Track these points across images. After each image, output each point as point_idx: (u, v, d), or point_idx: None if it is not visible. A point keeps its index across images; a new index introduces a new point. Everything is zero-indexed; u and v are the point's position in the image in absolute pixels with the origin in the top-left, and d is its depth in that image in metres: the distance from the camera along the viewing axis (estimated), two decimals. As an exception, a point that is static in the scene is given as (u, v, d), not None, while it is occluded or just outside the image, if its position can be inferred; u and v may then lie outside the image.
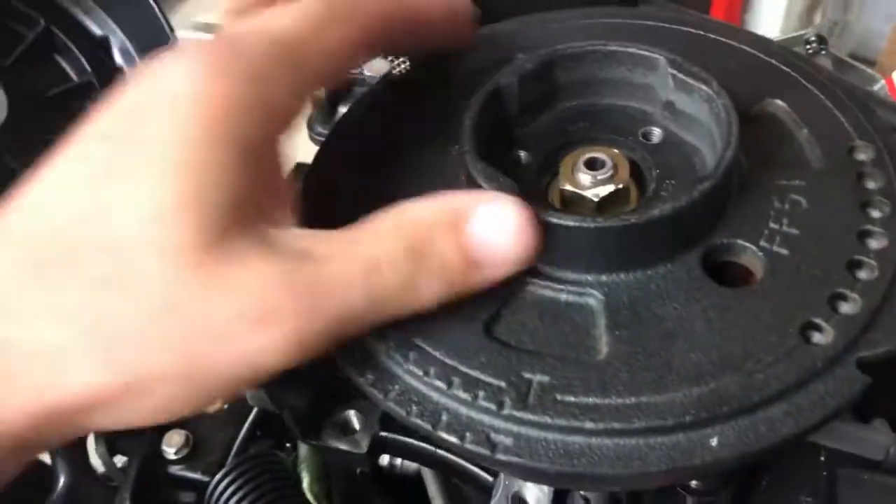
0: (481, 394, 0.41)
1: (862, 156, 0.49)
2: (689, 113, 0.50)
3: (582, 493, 0.51)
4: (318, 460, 0.70)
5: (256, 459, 0.68)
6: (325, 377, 0.56)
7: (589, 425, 0.40)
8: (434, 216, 0.41)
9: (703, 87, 0.48)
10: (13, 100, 0.82)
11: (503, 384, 0.41)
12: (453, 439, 0.41)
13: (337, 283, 0.38)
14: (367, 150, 0.53)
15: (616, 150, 0.49)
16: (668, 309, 0.43)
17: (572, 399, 0.40)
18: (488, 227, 0.41)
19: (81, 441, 0.74)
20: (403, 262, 0.39)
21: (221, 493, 0.67)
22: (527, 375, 0.41)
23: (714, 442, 0.39)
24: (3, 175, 0.79)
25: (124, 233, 0.36)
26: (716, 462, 0.39)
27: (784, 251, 0.45)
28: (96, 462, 0.74)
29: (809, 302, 0.43)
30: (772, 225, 0.46)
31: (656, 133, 0.52)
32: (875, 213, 0.46)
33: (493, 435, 0.40)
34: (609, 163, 0.48)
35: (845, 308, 0.43)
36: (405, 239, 0.40)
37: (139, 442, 0.72)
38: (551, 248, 0.44)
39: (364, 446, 0.55)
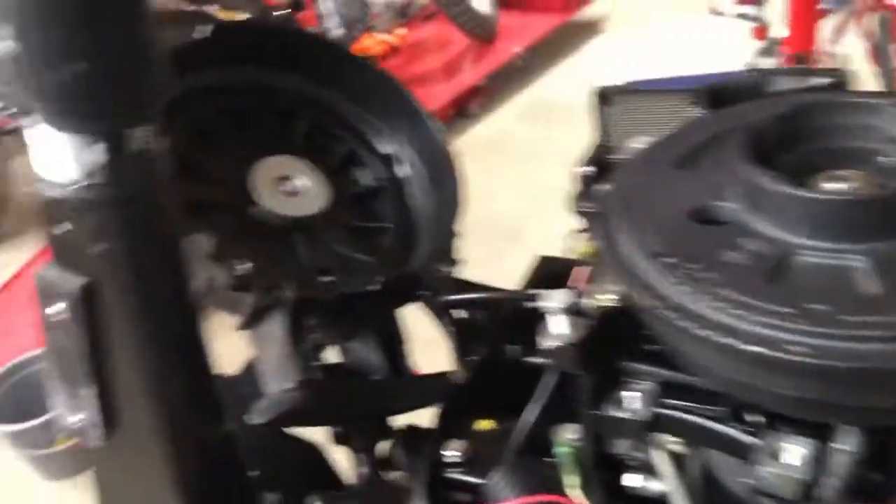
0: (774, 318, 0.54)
1: None
2: None
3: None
4: (577, 465, 0.81)
5: (527, 462, 0.81)
6: (607, 364, 0.71)
7: (864, 333, 0.52)
8: None
9: None
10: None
11: (793, 310, 0.54)
12: (763, 350, 0.54)
13: None
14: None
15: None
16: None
17: (849, 318, 0.53)
18: None
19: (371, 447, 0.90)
20: None
21: (497, 489, 0.79)
22: (810, 305, 0.54)
23: None
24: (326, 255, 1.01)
25: None
26: None
27: None
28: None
29: None
30: None
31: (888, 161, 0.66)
32: None
33: (785, 345, 0.53)
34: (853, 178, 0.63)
35: None
36: None
37: (423, 448, 0.86)
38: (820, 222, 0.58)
39: (644, 416, 0.68)
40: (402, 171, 1.13)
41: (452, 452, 0.85)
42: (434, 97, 3.80)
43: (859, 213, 0.58)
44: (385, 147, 1.14)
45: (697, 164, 0.72)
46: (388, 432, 0.92)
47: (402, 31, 4.46)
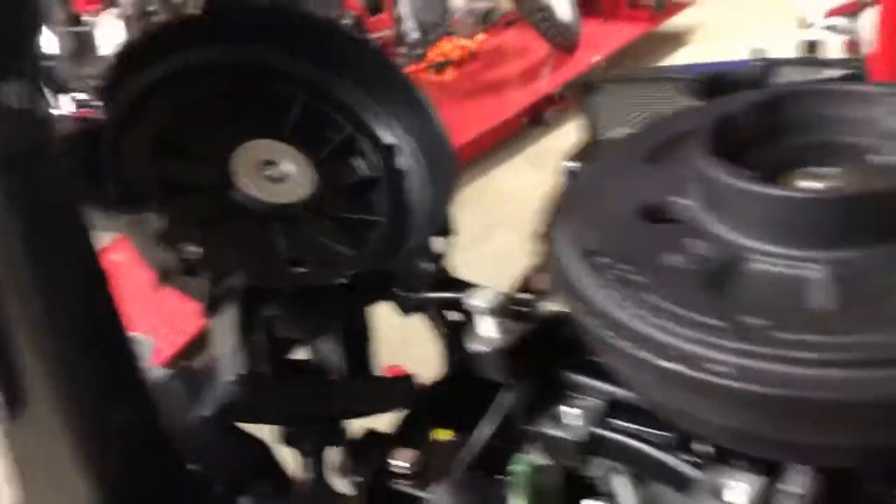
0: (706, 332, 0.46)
1: None
2: None
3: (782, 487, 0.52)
4: (530, 486, 0.73)
5: (476, 479, 0.73)
6: (545, 374, 0.63)
7: (800, 354, 0.43)
8: None
9: None
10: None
11: (722, 324, 0.46)
12: (681, 368, 0.45)
13: None
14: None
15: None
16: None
17: (789, 336, 0.44)
18: None
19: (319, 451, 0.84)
20: None
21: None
22: (745, 319, 0.46)
23: None
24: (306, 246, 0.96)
25: None
26: None
27: None
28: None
29: None
30: None
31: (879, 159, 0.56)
32: None
33: (706, 364, 0.45)
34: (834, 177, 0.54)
35: None
36: None
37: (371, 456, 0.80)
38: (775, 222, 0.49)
39: (580, 435, 0.59)
40: (403, 162, 1.07)
41: (400, 462, 0.78)
42: (509, 104, 3.74)
43: (822, 215, 0.49)
44: (387, 136, 1.08)
45: (668, 157, 0.64)
46: (342, 436, 0.86)
47: (481, 36, 4.41)
